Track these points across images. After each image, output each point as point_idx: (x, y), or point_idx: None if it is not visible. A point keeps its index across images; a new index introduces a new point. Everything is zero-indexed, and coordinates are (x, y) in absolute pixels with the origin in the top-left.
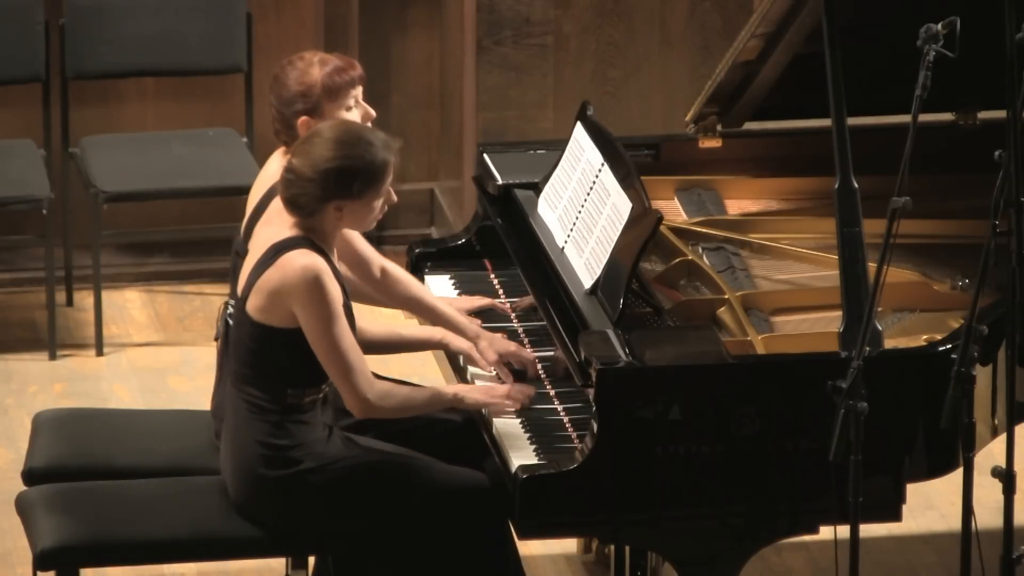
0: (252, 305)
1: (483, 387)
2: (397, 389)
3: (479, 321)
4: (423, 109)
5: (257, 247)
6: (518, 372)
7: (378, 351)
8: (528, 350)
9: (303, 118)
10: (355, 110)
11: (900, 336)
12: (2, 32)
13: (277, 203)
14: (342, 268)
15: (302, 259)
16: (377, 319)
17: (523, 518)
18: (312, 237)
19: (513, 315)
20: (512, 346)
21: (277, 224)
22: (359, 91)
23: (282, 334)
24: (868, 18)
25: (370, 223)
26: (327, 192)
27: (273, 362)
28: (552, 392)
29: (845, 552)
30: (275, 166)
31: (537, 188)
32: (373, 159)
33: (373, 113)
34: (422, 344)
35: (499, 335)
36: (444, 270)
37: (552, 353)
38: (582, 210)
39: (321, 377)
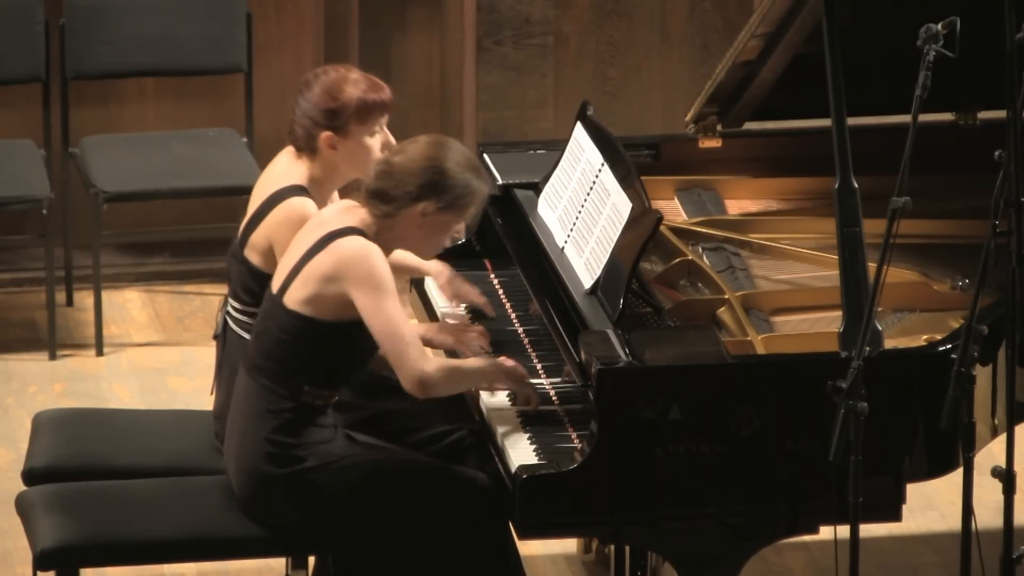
0: (295, 296)
1: (523, 372)
2: (451, 367)
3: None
4: (423, 109)
5: (301, 245)
6: None
7: None
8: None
9: (327, 133)
10: (378, 136)
11: (900, 336)
12: (2, 32)
13: (331, 211)
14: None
15: (355, 242)
16: None
17: (523, 518)
18: (368, 233)
19: (514, 316)
20: (472, 292)
21: (330, 225)
22: (386, 117)
23: (318, 327)
24: (868, 18)
25: (436, 248)
26: (423, 192)
27: (300, 356)
28: (552, 392)
29: (845, 552)
30: (282, 167)
31: (537, 188)
32: (474, 186)
33: (393, 141)
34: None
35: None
36: None
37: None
38: (582, 210)
39: (340, 381)
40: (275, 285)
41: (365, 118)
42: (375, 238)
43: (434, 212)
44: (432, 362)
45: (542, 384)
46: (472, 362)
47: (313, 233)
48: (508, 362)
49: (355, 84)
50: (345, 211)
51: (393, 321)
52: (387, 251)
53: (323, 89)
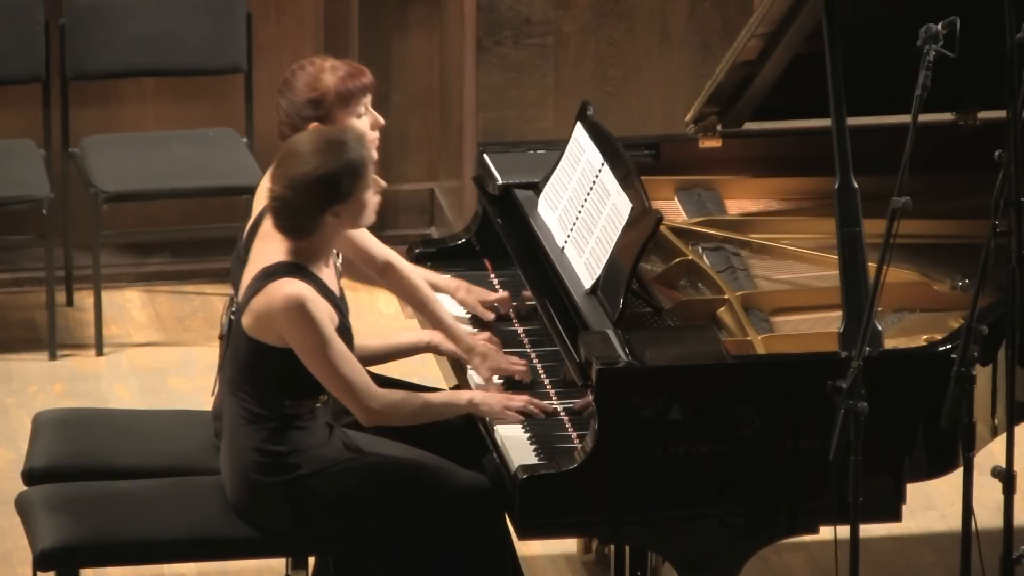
0: (246, 323)
1: (500, 396)
2: (407, 400)
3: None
4: (423, 109)
5: (254, 263)
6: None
7: (374, 363)
8: (520, 362)
9: (314, 124)
10: (365, 117)
11: (900, 336)
12: (2, 32)
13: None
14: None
15: (286, 288)
16: (377, 321)
17: (523, 518)
18: (302, 260)
19: (514, 317)
20: (504, 361)
21: (275, 239)
22: (369, 99)
23: (276, 351)
24: (868, 18)
25: (369, 218)
26: (319, 203)
27: (269, 375)
28: (552, 392)
29: (845, 552)
30: None
31: (537, 188)
32: (350, 156)
33: (382, 121)
34: (413, 349)
35: (493, 349)
36: (444, 270)
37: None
38: (582, 210)
39: (318, 388)
40: (239, 299)
41: (348, 102)
42: (310, 257)
43: (343, 206)
44: (383, 400)
45: (543, 385)
46: (438, 401)
47: (261, 249)
48: (490, 400)
49: (333, 71)
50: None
51: (333, 367)
52: (330, 251)
53: (303, 83)
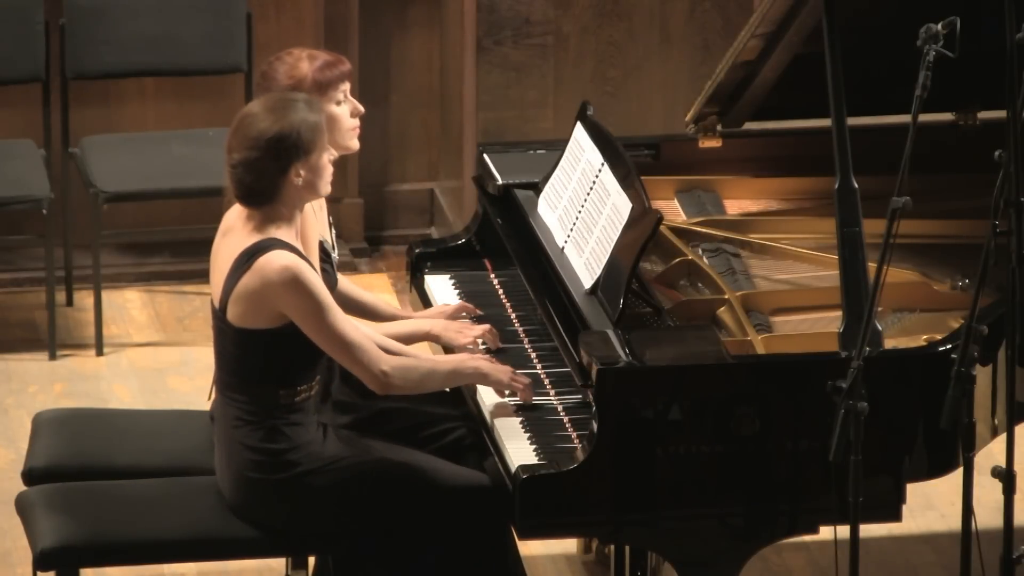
0: (233, 313)
1: (504, 368)
2: (416, 365)
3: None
4: (423, 109)
5: (223, 258)
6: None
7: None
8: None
9: None
10: (344, 105)
11: (900, 336)
12: (2, 32)
13: (232, 213)
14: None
15: (279, 260)
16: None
17: (523, 518)
18: (278, 234)
19: (514, 316)
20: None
21: (238, 231)
22: (347, 86)
23: (266, 335)
24: (868, 18)
25: (326, 185)
26: (282, 158)
27: (261, 366)
28: (552, 392)
29: (845, 552)
30: None
31: (537, 188)
32: (304, 115)
33: (361, 109)
34: (411, 338)
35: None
36: (444, 270)
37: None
38: (582, 210)
39: (311, 371)
40: (215, 302)
41: (326, 90)
42: (283, 225)
43: (304, 165)
44: (391, 361)
45: (543, 385)
46: (446, 362)
47: (226, 244)
48: (497, 373)
49: (311, 60)
50: (247, 217)
51: (337, 333)
52: (295, 224)
53: (282, 73)
